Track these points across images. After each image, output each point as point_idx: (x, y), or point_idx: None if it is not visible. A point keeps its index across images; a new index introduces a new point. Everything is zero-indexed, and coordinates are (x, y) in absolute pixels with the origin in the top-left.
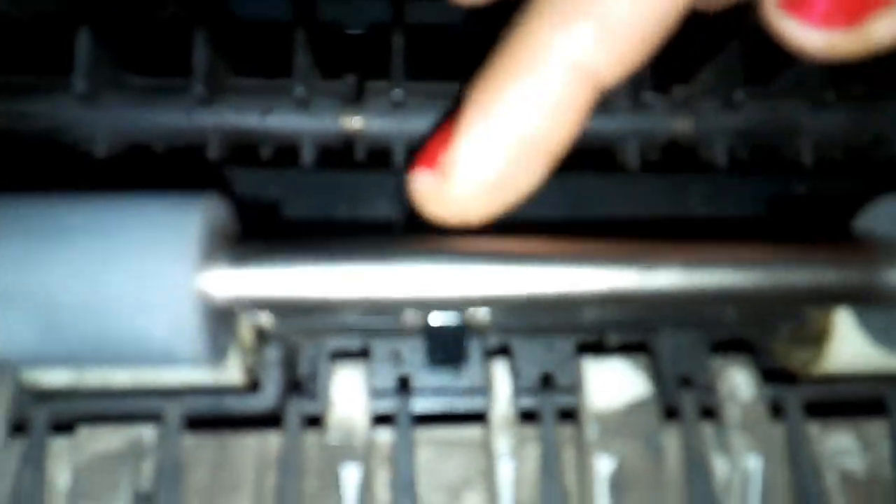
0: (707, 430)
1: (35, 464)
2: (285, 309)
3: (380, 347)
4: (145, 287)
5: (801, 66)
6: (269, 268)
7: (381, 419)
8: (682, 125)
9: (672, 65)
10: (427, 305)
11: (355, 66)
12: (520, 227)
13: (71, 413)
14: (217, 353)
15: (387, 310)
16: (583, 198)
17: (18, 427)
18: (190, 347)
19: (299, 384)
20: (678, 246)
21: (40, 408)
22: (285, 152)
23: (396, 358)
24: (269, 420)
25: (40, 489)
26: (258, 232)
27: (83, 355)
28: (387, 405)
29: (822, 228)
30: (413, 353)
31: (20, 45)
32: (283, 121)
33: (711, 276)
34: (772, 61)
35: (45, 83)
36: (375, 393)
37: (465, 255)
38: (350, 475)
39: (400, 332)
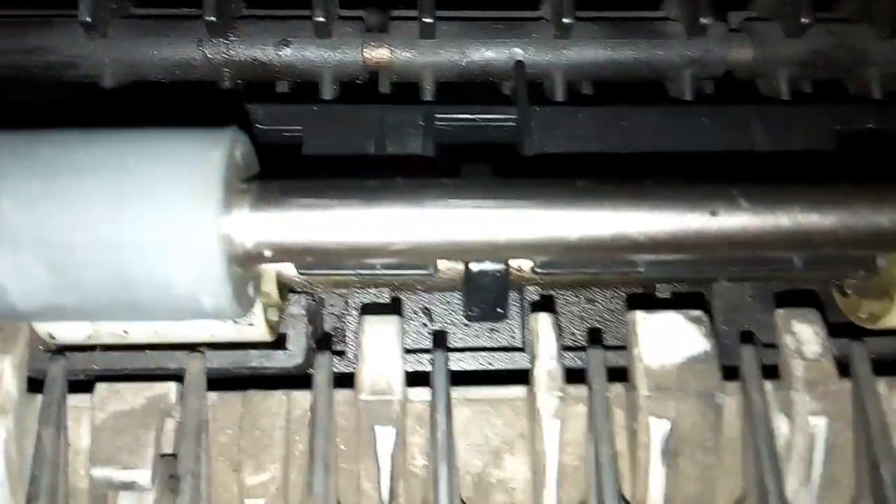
0: (768, 388)
1: (54, 421)
2: (314, 255)
3: (411, 301)
4: (165, 230)
5: None
6: (297, 210)
7: (414, 377)
8: (739, 54)
9: None
10: (467, 252)
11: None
12: (568, 162)
13: (89, 369)
14: (242, 304)
15: (423, 257)
16: (635, 131)
17: (35, 383)
18: (214, 297)
19: (327, 340)
20: (743, 186)
21: (57, 363)
22: (304, 86)
23: (429, 312)
24: (296, 378)
25: (61, 448)
26: (278, 172)
27: (99, 307)
28: (421, 363)
29: (892, 164)
30: (447, 306)
31: None
32: (302, 52)
33: (780, 218)
34: None
35: (50, 17)
36: (408, 349)
37: (509, 196)
38: (384, 437)
39: (433, 283)
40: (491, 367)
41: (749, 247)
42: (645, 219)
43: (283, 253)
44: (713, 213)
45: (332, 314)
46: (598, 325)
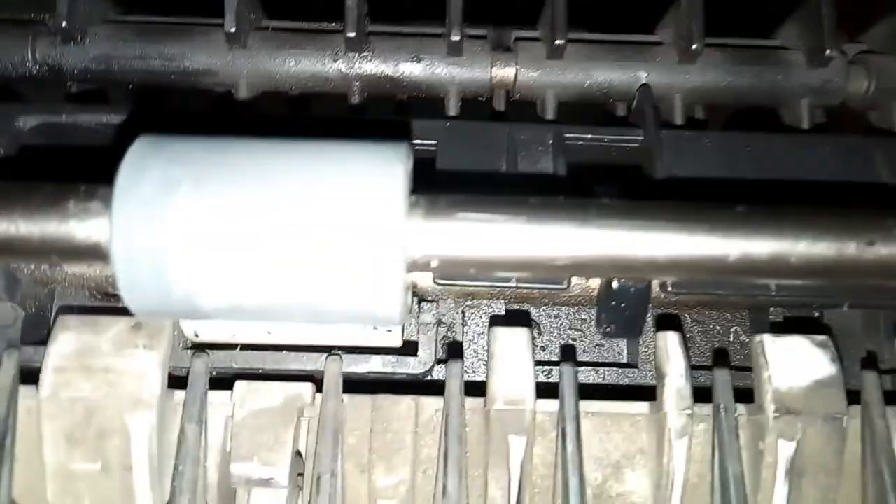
0: (891, 414)
1: (197, 417)
2: (478, 268)
3: (539, 313)
4: (353, 237)
5: None
6: (465, 223)
7: (542, 388)
8: (857, 85)
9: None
10: (627, 269)
11: (503, 12)
12: (697, 186)
13: (229, 367)
14: (405, 312)
15: (585, 273)
16: (762, 158)
17: (173, 379)
18: (389, 304)
19: (458, 348)
20: (889, 215)
21: (201, 359)
22: (427, 101)
23: (537, 325)
24: (420, 385)
25: (202, 444)
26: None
27: (281, 308)
28: (540, 377)
29: None
30: (553, 320)
31: None
32: (433, 69)
33: None
34: None
35: (190, 25)
36: (538, 360)
37: (671, 218)
38: (517, 446)
39: (560, 298)
40: (602, 382)
41: None
42: (805, 246)
43: (450, 264)
44: (870, 243)
45: (443, 324)
46: (708, 346)
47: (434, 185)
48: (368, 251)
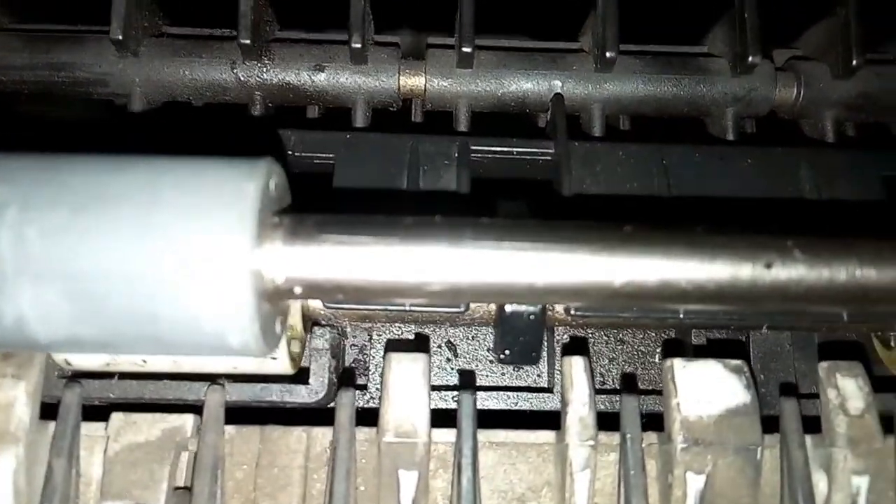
0: (808, 443)
1: (66, 452)
2: (346, 293)
3: (434, 334)
4: (194, 264)
5: None
6: (331, 246)
7: (436, 415)
8: (785, 94)
9: (774, 23)
10: (505, 295)
11: (415, 19)
12: (607, 202)
13: (104, 397)
14: (269, 342)
15: (460, 298)
16: (678, 171)
17: (49, 409)
18: (241, 335)
19: (350, 375)
20: (798, 237)
21: (72, 390)
22: (336, 112)
23: (453, 347)
24: (317, 412)
25: (72, 479)
26: (309, 202)
27: (122, 340)
28: (444, 400)
29: None
30: (471, 341)
31: None
32: (337, 78)
33: (837, 272)
34: (888, 22)
35: (80, 33)
36: (431, 388)
37: (552, 239)
38: (407, 481)
39: (462, 320)
40: (516, 408)
41: (803, 301)
42: (695, 268)
43: (315, 290)
44: (768, 266)
45: (355, 346)
46: (628, 368)
47: (328, 201)
48: (212, 278)
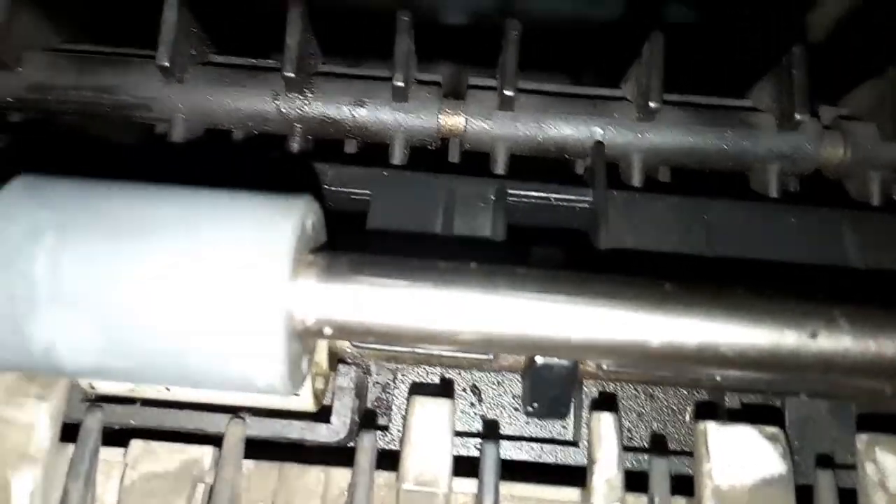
0: None
1: (84, 476)
2: (376, 336)
3: (458, 378)
4: (227, 299)
5: None
6: (365, 288)
7: (457, 462)
8: (831, 153)
9: (822, 80)
10: (538, 348)
11: (456, 57)
12: (645, 256)
13: (125, 423)
14: (296, 380)
15: (491, 348)
16: (719, 228)
17: (70, 431)
18: (268, 374)
19: (372, 417)
20: (845, 306)
21: (93, 415)
22: (373, 148)
23: (478, 392)
24: (337, 451)
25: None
26: (341, 238)
27: (148, 371)
28: (466, 447)
29: None
30: (496, 387)
31: (104, 15)
32: (377, 114)
33: (885, 344)
34: None
35: (128, 56)
36: (455, 433)
37: (589, 293)
38: None
39: (490, 367)
40: (540, 461)
41: (847, 372)
42: (737, 333)
43: (346, 331)
44: (812, 335)
45: (378, 384)
46: (657, 424)
47: (361, 239)
48: (244, 314)
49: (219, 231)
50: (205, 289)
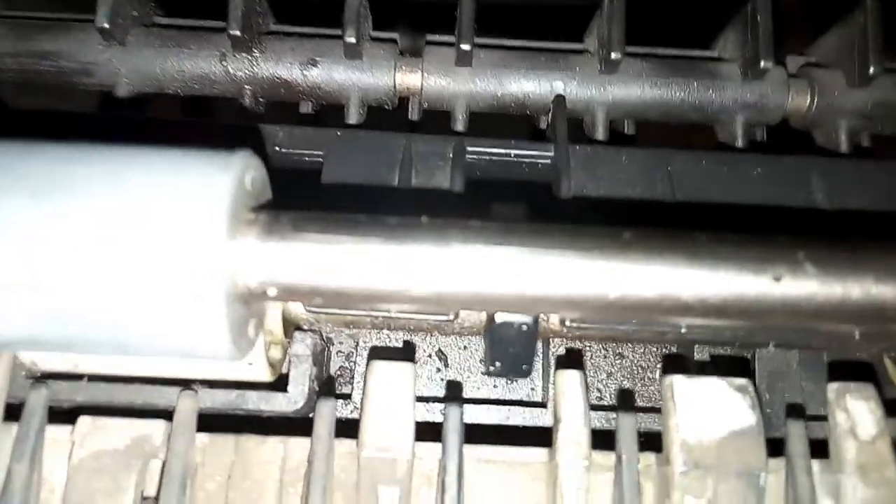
0: (815, 468)
1: (29, 456)
2: (324, 297)
3: (424, 343)
4: (161, 260)
5: None
6: (309, 245)
7: (423, 428)
8: (798, 102)
9: (788, 28)
10: (494, 303)
11: (413, 15)
12: (608, 208)
13: (72, 399)
14: (242, 345)
15: (445, 306)
16: (683, 178)
17: (14, 411)
18: (210, 338)
19: (331, 384)
20: (810, 248)
21: (38, 392)
22: (328, 109)
23: (444, 356)
24: (296, 422)
25: (33, 485)
26: (294, 200)
27: (84, 340)
28: (432, 413)
29: None
30: (463, 351)
31: None
32: (330, 73)
33: (851, 287)
34: None
35: (67, 21)
36: (419, 397)
37: (546, 244)
38: (387, 498)
39: (452, 329)
40: (507, 423)
41: (814, 317)
42: (698, 280)
43: (292, 292)
44: (776, 279)
45: (341, 353)
46: (626, 383)
47: (312, 200)
48: (181, 276)
49: (150, 188)
50: (137, 249)
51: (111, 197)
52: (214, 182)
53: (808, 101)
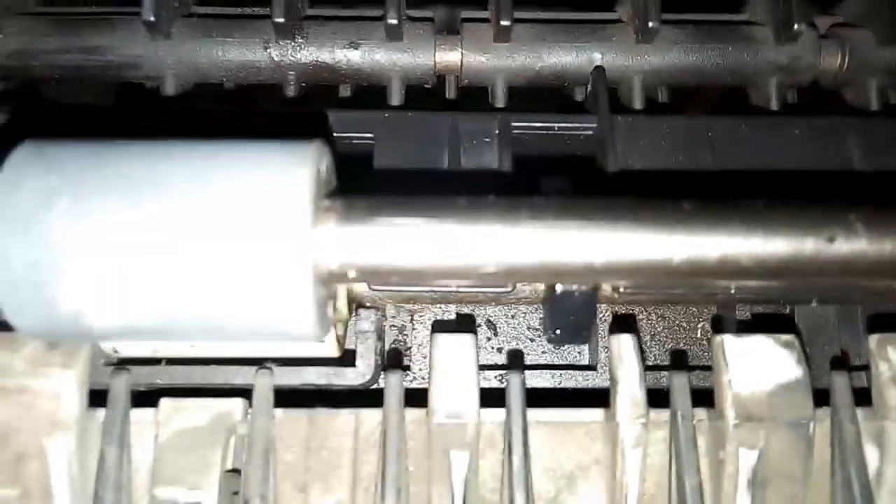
0: (860, 416)
1: (118, 439)
2: (401, 276)
3: (495, 313)
4: (252, 249)
5: None
6: (385, 228)
7: (485, 396)
8: (829, 62)
9: None
10: (562, 275)
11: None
12: (653, 178)
13: (152, 383)
14: (325, 325)
15: (515, 279)
16: (724, 144)
17: (98, 397)
18: (298, 320)
19: (397, 357)
20: (860, 210)
21: (120, 378)
22: (370, 90)
23: (493, 326)
24: (365, 394)
25: (124, 466)
26: (349, 183)
27: (178, 327)
28: (486, 379)
29: None
30: (511, 320)
31: None
32: (372, 56)
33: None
34: None
35: (112, 14)
36: (493, 364)
37: (609, 217)
38: (459, 461)
39: (507, 300)
40: (559, 386)
41: (865, 274)
42: (757, 244)
43: (370, 273)
44: (830, 240)
45: (394, 326)
46: (669, 343)
47: (367, 183)
48: (271, 263)
49: (235, 182)
50: (228, 241)
51: (199, 195)
52: (295, 173)
53: (840, 60)
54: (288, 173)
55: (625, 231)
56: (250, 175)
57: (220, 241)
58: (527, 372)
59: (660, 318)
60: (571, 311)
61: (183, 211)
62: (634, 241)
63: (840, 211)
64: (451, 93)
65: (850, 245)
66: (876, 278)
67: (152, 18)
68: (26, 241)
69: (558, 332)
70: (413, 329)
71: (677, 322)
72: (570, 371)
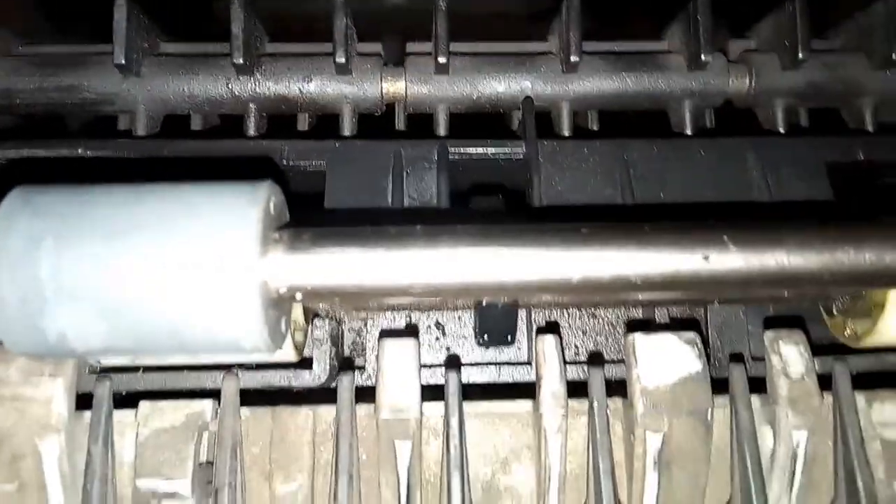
0: (756, 402)
1: (102, 438)
2: (341, 297)
3: (424, 316)
4: (208, 280)
5: (863, 19)
6: (326, 256)
7: (429, 391)
8: (737, 86)
9: (727, 15)
10: (479, 292)
11: (395, 28)
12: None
13: (132, 388)
14: (276, 341)
15: (438, 296)
16: (637, 164)
17: (84, 401)
18: (252, 339)
19: (349, 360)
20: (733, 229)
21: (103, 384)
22: (325, 119)
23: (441, 327)
24: (320, 393)
25: (109, 462)
26: (303, 208)
27: (148, 348)
28: (435, 376)
29: (884, 200)
30: (457, 322)
31: (60, 15)
32: (324, 89)
33: (767, 260)
34: (833, 12)
35: (86, 55)
36: (423, 364)
37: (518, 242)
38: (402, 450)
39: (445, 307)
40: (499, 381)
41: (739, 287)
42: (644, 263)
43: (314, 296)
44: (705, 258)
45: (352, 329)
46: (600, 338)
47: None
48: (226, 290)
49: (194, 222)
50: (190, 273)
51: (164, 233)
52: (246, 213)
53: (748, 84)
54: (239, 213)
55: (531, 254)
56: (209, 215)
57: (184, 272)
58: (470, 368)
59: (591, 317)
60: (495, 320)
61: (151, 250)
62: (539, 262)
63: (714, 231)
64: (400, 123)
65: (723, 262)
66: (749, 290)
67: (123, 62)
68: (17, 278)
69: (486, 337)
70: (367, 332)
71: (607, 320)
72: (507, 367)
